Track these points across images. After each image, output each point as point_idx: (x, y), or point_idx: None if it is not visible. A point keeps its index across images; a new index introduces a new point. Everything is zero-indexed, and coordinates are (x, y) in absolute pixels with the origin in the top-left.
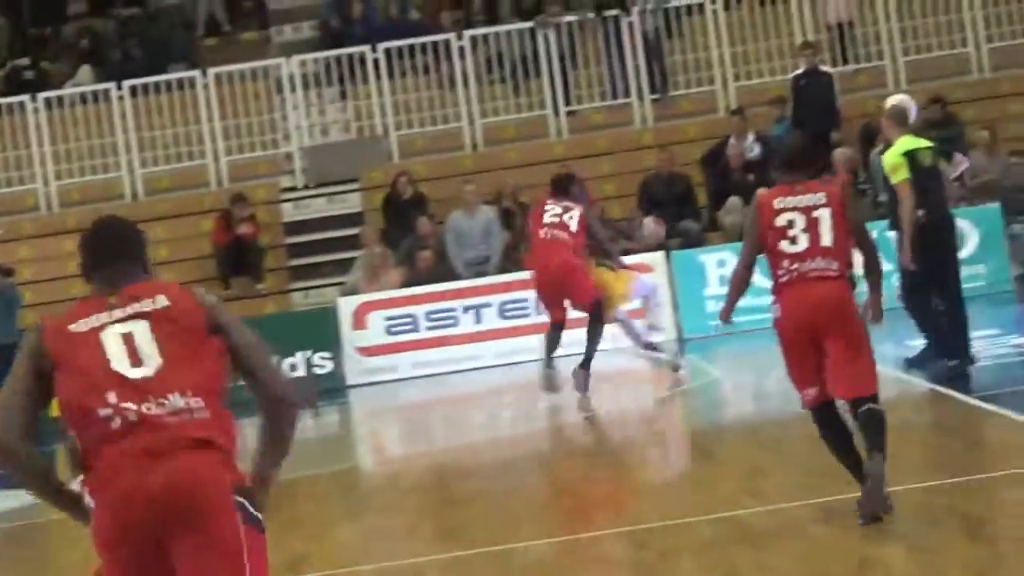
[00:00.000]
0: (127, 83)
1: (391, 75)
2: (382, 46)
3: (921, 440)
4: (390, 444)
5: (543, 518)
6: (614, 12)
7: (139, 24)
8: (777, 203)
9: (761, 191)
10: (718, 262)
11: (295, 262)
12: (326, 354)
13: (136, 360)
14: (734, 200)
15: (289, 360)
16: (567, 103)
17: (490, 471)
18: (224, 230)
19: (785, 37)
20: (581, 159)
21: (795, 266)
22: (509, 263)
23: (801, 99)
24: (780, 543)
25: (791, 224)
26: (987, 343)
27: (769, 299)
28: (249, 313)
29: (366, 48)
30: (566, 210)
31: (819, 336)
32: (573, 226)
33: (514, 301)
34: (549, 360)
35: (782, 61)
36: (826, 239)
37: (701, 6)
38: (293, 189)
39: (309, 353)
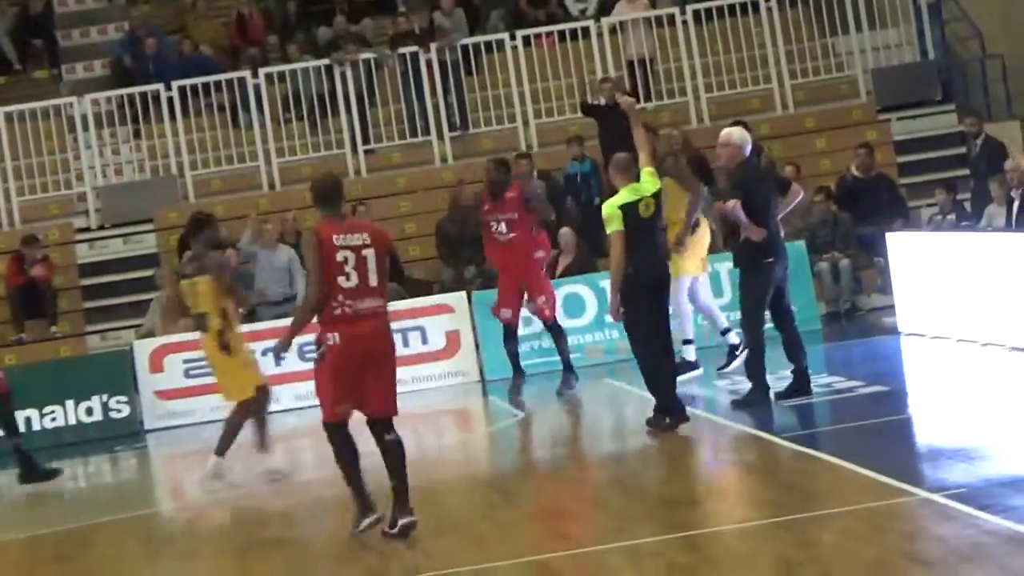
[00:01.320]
0: None
1: (185, 114)
2: (176, 84)
3: (733, 482)
4: (189, 489)
5: (340, 565)
6: (412, 48)
7: None
8: (336, 239)
9: (319, 225)
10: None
11: (90, 304)
12: (122, 398)
13: None
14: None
15: (85, 404)
16: (365, 141)
17: (291, 516)
18: (16, 272)
19: (587, 74)
20: (380, 198)
21: (349, 301)
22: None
23: (604, 131)
24: None
25: (346, 261)
26: None
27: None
28: (44, 357)
29: (159, 86)
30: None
31: (365, 364)
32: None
33: (312, 343)
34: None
35: (583, 98)
36: (373, 278)
37: (501, 42)
38: (87, 230)
39: (105, 397)
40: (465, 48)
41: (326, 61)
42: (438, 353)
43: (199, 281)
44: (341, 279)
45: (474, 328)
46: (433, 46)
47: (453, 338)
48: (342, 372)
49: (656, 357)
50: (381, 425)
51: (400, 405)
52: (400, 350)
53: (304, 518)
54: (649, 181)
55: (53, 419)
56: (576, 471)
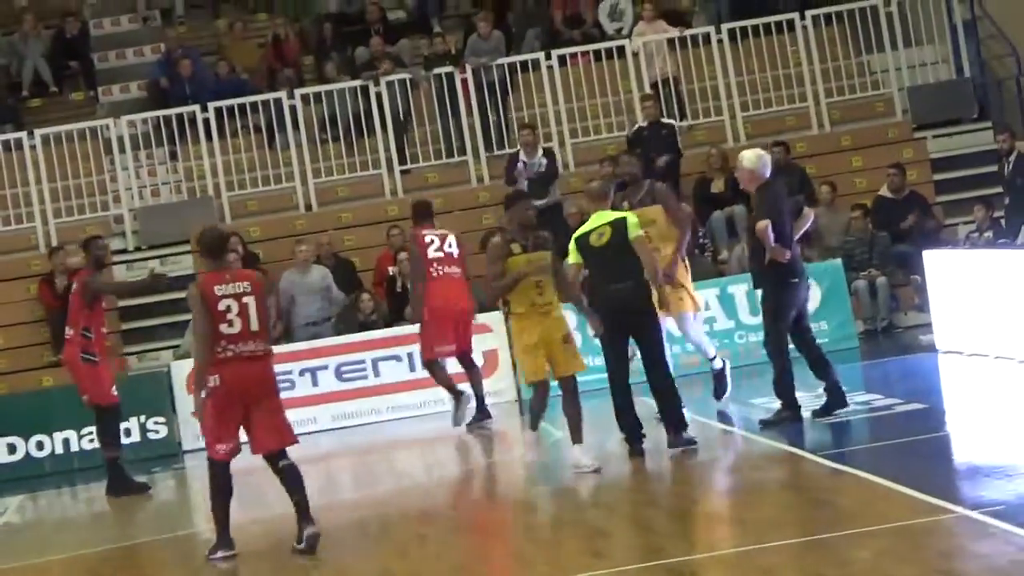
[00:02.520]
0: None
1: (221, 135)
2: (212, 105)
3: (769, 499)
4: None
5: None
6: (447, 68)
7: None
8: (217, 290)
9: (201, 277)
10: None
11: (128, 325)
12: (160, 419)
13: None
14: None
15: (123, 425)
16: (401, 161)
17: (328, 537)
18: (50, 293)
19: (623, 94)
20: None
21: (231, 346)
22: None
23: (644, 150)
24: None
25: (229, 309)
26: None
27: None
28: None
29: (195, 108)
30: (443, 237)
31: (249, 404)
32: (456, 251)
33: (350, 363)
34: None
35: (619, 117)
36: (254, 323)
37: (536, 62)
38: (124, 251)
39: (143, 418)
40: (501, 68)
41: (362, 81)
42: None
43: None
44: (223, 326)
45: (511, 347)
46: (468, 66)
47: (491, 358)
48: (225, 412)
49: (613, 385)
50: (275, 456)
51: (436, 425)
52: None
53: (340, 540)
54: (619, 212)
55: (91, 440)
56: (614, 490)
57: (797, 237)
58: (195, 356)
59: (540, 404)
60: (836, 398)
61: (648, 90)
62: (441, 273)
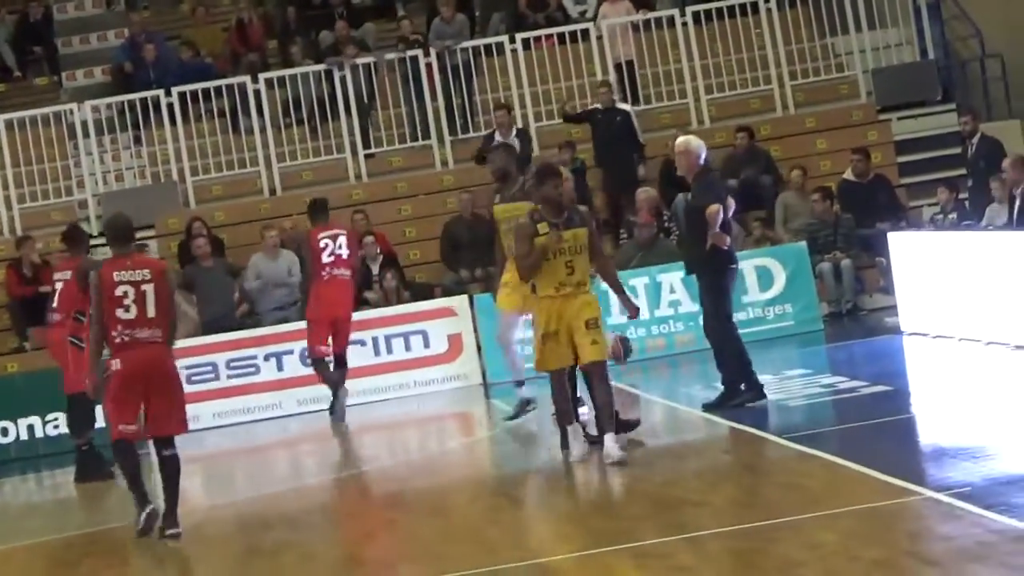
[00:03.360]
0: None
1: (185, 119)
2: (176, 90)
3: (734, 482)
4: (193, 495)
5: (349, 568)
6: (413, 52)
7: None
8: (116, 276)
9: (104, 265)
10: None
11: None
12: None
13: None
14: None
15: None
16: (365, 146)
17: (295, 521)
18: (16, 280)
19: (587, 77)
20: (381, 202)
21: (127, 331)
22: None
23: (598, 136)
24: None
25: (126, 295)
26: (798, 383)
27: None
28: (46, 364)
29: (160, 92)
30: (335, 237)
31: (147, 388)
32: (345, 252)
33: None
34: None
35: (583, 100)
36: (151, 310)
37: (501, 45)
38: (89, 236)
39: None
40: (466, 51)
41: (326, 66)
42: (440, 356)
43: None
44: (120, 311)
45: (476, 331)
46: (432, 49)
47: (455, 341)
48: (125, 395)
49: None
50: (161, 442)
51: (401, 408)
52: (402, 354)
53: (308, 523)
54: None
55: (56, 426)
56: (579, 474)
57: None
58: (89, 339)
59: (559, 396)
60: (731, 394)
61: (612, 72)
62: (331, 275)
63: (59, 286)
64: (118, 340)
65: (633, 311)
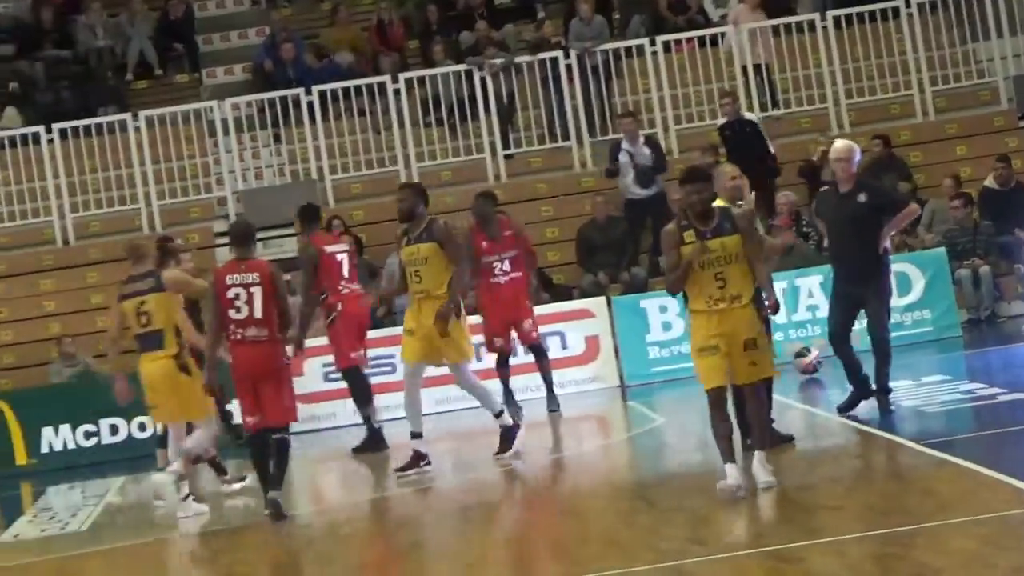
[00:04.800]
0: (57, 126)
1: (325, 118)
2: (316, 88)
3: (872, 488)
4: (328, 493)
5: (483, 569)
6: (553, 54)
7: (68, 66)
8: (228, 279)
9: (220, 268)
10: (660, 308)
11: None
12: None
13: None
14: None
15: (227, 407)
16: (505, 146)
17: (431, 520)
18: None
19: (727, 80)
20: (521, 203)
21: (238, 330)
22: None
23: (728, 149)
24: None
25: (237, 296)
26: (936, 389)
27: None
28: None
29: (300, 91)
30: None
31: (255, 382)
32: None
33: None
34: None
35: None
36: (258, 311)
37: (641, 48)
38: (226, 234)
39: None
40: (605, 53)
41: (466, 66)
42: (577, 358)
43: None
44: (232, 311)
45: (614, 333)
46: (573, 52)
47: (592, 343)
48: (241, 389)
49: None
50: (272, 430)
51: (538, 410)
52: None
53: (442, 523)
54: None
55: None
56: (715, 477)
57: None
58: (206, 336)
59: (717, 421)
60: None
61: (750, 74)
62: (503, 272)
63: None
64: (232, 337)
65: (773, 306)
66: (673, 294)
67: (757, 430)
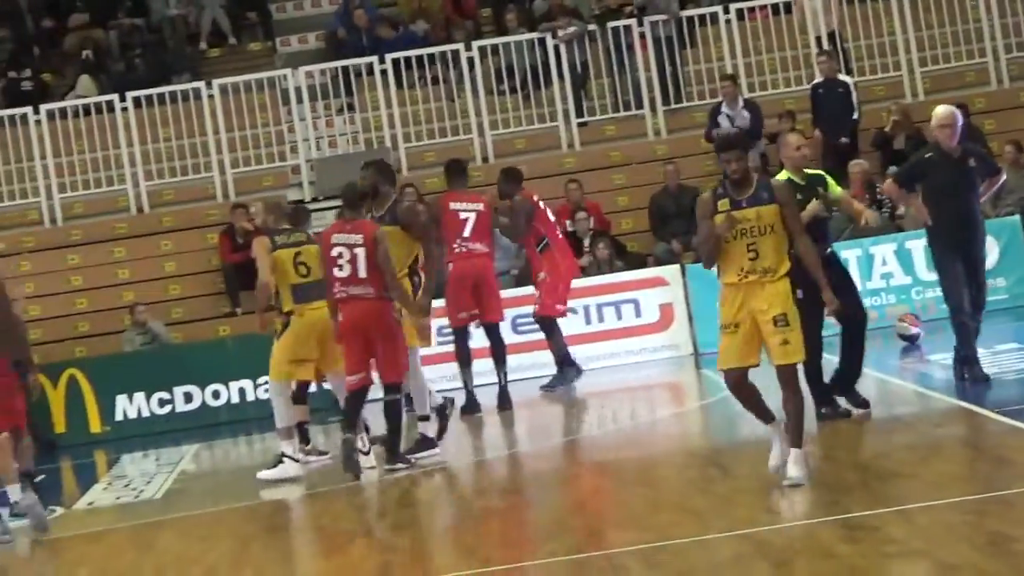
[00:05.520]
0: (130, 94)
1: (399, 86)
2: (390, 57)
3: (945, 455)
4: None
5: (558, 536)
6: (626, 22)
7: (141, 35)
8: (333, 239)
9: (328, 228)
10: None
11: None
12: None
13: None
14: None
15: None
16: (579, 114)
17: (505, 487)
18: (230, 246)
19: (800, 48)
20: (593, 171)
21: (344, 288)
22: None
23: (819, 109)
24: (802, 561)
25: (341, 255)
26: (1011, 357)
27: None
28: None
29: (373, 59)
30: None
31: (366, 339)
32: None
33: (527, 316)
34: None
35: (796, 72)
36: (362, 270)
37: (715, 15)
38: (301, 202)
39: None
40: (679, 21)
41: (539, 34)
42: (651, 326)
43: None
44: (336, 270)
45: (688, 301)
46: (647, 19)
47: (667, 311)
48: (348, 345)
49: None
50: (385, 388)
51: (612, 378)
52: (614, 323)
53: (517, 490)
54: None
55: (267, 390)
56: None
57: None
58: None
59: (743, 400)
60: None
61: (825, 45)
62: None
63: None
64: (337, 295)
65: (832, 306)
66: (707, 268)
67: (792, 425)
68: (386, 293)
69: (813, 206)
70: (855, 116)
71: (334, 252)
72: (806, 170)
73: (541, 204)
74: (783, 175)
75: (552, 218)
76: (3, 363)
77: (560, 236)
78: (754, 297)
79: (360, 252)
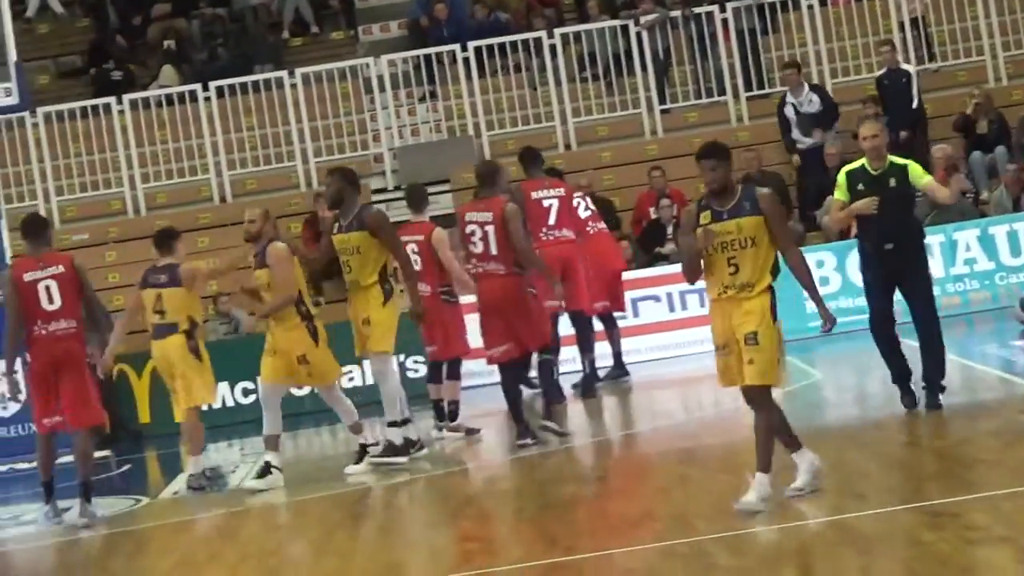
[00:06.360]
0: (213, 84)
1: (481, 74)
2: (472, 45)
3: None
4: (488, 448)
5: (644, 523)
6: (708, 8)
7: (223, 24)
8: (468, 216)
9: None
10: (817, 262)
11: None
12: (420, 358)
13: None
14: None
15: None
16: (661, 101)
17: (588, 476)
18: (313, 235)
19: (883, 33)
20: (676, 158)
21: (479, 264)
22: None
23: (885, 99)
24: (886, 548)
25: (474, 233)
26: None
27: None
28: (342, 318)
29: (455, 47)
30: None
31: (502, 315)
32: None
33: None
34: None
35: (879, 57)
36: (493, 247)
37: (796, 1)
38: (384, 190)
39: (403, 356)
40: (761, 7)
41: (622, 21)
42: None
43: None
44: (470, 246)
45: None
46: (729, 5)
47: None
48: (486, 321)
49: (877, 328)
50: (516, 360)
51: (694, 365)
52: (696, 310)
53: (601, 478)
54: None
55: (351, 379)
56: (872, 432)
57: None
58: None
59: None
60: None
61: (908, 30)
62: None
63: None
64: (472, 271)
65: (828, 322)
66: (690, 283)
67: (759, 448)
68: (517, 268)
69: (862, 203)
70: (914, 105)
71: (468, 229)
72: (891, 159)
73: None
74: (857, 163)
75: (586, 211)
76: (81, 357)
77: (593, 230)
78: (733, 314)
79: (491, 229)
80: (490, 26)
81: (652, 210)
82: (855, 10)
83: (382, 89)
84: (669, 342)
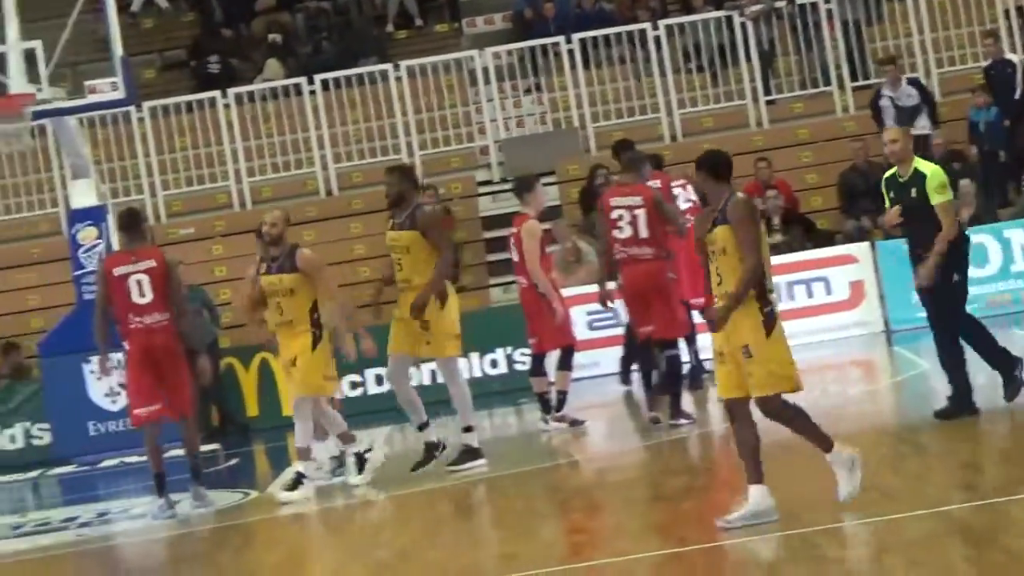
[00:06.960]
0: (318, 77)
1: (586, 66)
2: (576, 37)
3: None
4: (595, 442)
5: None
6: None
7: (328, 17)
8: (613, 201)
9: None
10: None
11: (493, 257)
12: (526, 350)
13: None
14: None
15: (489, 356)
16: (766, 92)
17: (696, 467)
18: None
19: (988, 22)
20: (781, 148)
21: (624, 248)
22: None
23: (993, 90)
24: (997, 540)
25: (620, 217)
26: None
27: None
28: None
29: (560, 39)
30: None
31: (645, 299)
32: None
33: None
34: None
35: (984, 48)
36: (643, 231)
37: None
38: (489, 183)
39: (509, 349)
40: None
41: (726, 12)
42: (842, 303)
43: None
44: (615, 231)
45: (878, 278)
46: None
47: (857, 288)
48: (631, 304)
49: (971, 328)
50: (659, 343)
51: (802, 356)
52: (804, 300)
53: (709, 470)
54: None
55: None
56: (982, 422)
57: None
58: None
59: (735, 432)
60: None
61: (1013, 17)
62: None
63: None
64: (617, 257)
65: (710, 327)
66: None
67: (746, 461)
68: (662, 253)
69: (888, 215)
70: (1017, 95)
71: (614, 215)
72: (916, 165)
73: (674, 186)
74: (892, 170)
75: (685, 202)
76: (176, 349)
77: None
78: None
79: (640, 213)
80: (595, 17)
81: (759, 201)
82: (961, 0)
83: (487, 81)
84: None
